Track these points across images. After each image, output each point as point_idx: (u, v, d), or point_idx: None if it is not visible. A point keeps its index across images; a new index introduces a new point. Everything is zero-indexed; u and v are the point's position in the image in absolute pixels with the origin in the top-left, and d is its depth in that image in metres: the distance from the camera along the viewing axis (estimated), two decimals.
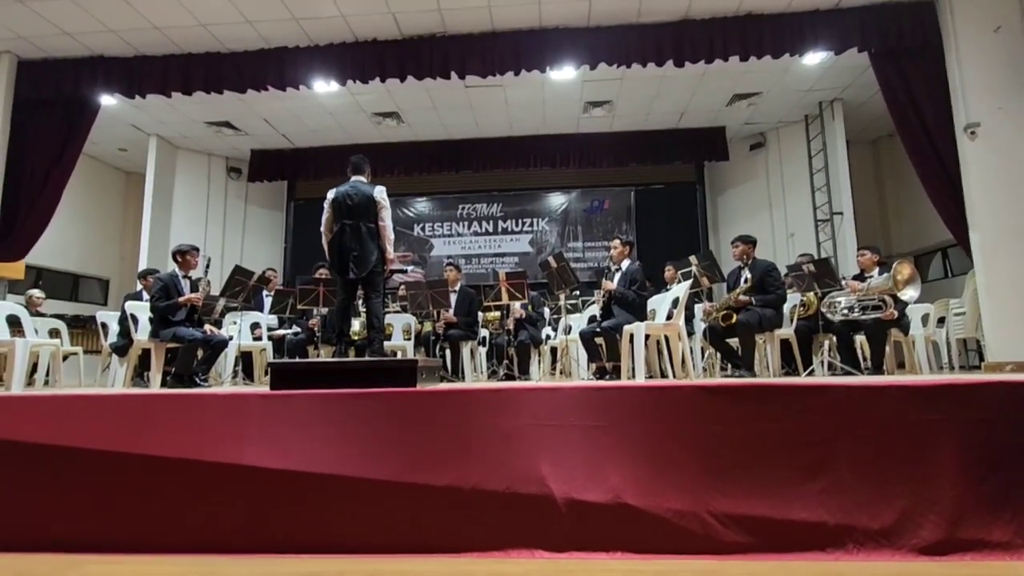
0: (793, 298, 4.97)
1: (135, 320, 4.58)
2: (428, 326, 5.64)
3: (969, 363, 6.34)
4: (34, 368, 5.03)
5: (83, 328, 7.41)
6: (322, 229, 3.92)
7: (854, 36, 5.72)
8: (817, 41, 5.78)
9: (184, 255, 4.50)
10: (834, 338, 4.62)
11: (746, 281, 4.52)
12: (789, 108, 7.93)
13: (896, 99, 5.85)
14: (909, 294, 4.10)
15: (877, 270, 4.58)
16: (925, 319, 5.26)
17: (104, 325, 5.44)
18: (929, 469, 2.19)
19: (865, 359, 4.55)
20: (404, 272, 7.89)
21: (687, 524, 2.19)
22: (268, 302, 5.70)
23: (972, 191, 5.39)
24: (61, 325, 5.73)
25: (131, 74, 6.30)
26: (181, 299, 4.34)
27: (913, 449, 2.22)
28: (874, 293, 4.19)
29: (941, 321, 5.85)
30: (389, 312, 5.97)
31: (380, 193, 3.86)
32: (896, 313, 4.12)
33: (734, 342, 4.48)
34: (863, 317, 4.15)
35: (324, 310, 5.16)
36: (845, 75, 6.96)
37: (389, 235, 3.89)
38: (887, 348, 4.20)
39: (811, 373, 4.48)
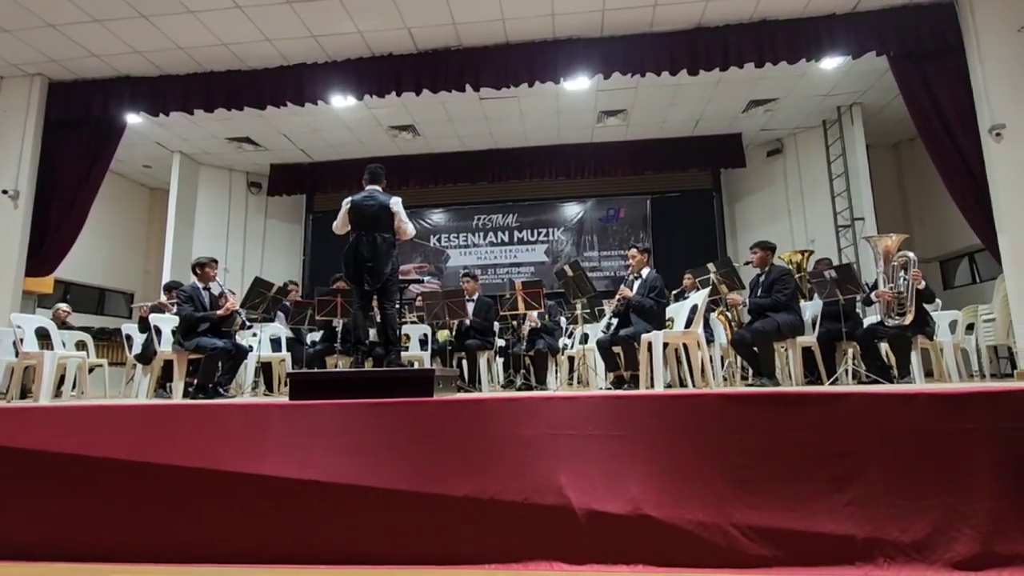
0: (815, 306, 4.88)
1: (158, 332, 4.66)
2: (445, 335, 5.65)
3: (1001, 371, 6.13)
4: (61, 380, 5.15)
5: (108, 340, 7.57)
6: (335, 225, 4.03)
7: (872, 40, 5.64)
8: (834, 45, 5.72)
9: (203, 267, 4.57)
10: (857, 346, 4.52)
11: (760, 287, 4.46)
12: (807, 113, 7.85)
13: (917, 102, 5.75)
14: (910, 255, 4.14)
15: None
16: (953, 326, 5.11)
17: (129, 337, 5.54)
18: (962, 480, 2.12)
19: (891, 367, 4.43)
20: (420, 283, 7.92)
21: (710, 536, 2.14)
22: (281, 315, 5.74)
23: (999, 194, 5.26)
24: (87, 337, 5.86)
25: (155, 93, 6.49)
26: (220, 312, 4.41)
27: (945, 459, 2.15)
28: (892, 268, 4.15)
29: (970, 328, 5.69)
30: (405, 323, 5.99)
31: (396, 204, 3.91)
32: (920, 271, 4.08)
33: None
34: (902, 290, 4.08)
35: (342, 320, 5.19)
36: (864, 79, 6.87)
37: (408, 229, 3.95)
38: (913, 355, 4.10)
39: (835, 382, 4.38)
